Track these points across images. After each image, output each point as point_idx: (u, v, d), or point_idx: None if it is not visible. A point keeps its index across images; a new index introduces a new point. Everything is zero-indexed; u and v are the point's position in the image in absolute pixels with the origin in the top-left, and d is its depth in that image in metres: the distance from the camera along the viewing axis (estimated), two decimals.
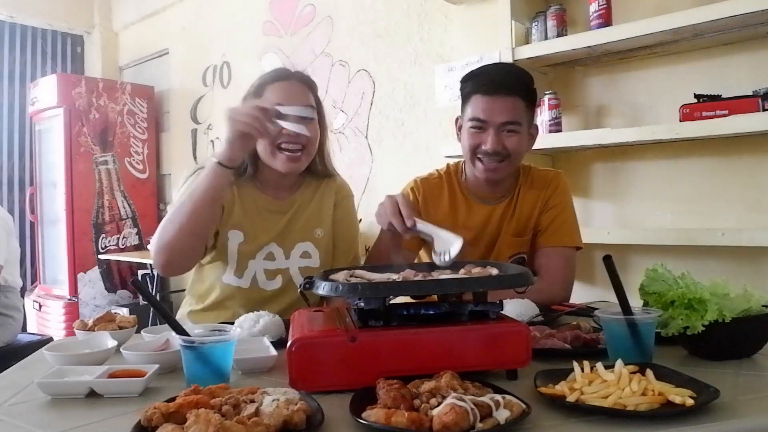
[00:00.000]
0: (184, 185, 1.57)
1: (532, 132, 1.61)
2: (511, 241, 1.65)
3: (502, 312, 1.00)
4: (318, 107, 1.57)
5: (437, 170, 1.75)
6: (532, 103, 1.57)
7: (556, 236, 1.62)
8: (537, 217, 1.65)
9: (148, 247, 4.11)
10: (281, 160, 1.49)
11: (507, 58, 2.27)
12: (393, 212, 1.29)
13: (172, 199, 4.66)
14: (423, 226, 1.28)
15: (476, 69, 1.59)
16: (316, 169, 1.64)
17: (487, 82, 1.52)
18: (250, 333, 1.22)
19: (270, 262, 1.56)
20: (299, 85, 1.54)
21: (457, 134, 1.66)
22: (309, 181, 1.65)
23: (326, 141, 1.65)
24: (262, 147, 1.50)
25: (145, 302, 4.18)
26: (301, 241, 1.59)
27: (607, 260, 1.07)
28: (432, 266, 1.19)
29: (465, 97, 1.59)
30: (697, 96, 1.92)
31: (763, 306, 1.05)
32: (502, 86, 1.50)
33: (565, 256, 1.62)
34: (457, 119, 1.66)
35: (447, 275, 1.09)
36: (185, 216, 1.36)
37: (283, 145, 1.48)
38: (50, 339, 2.87)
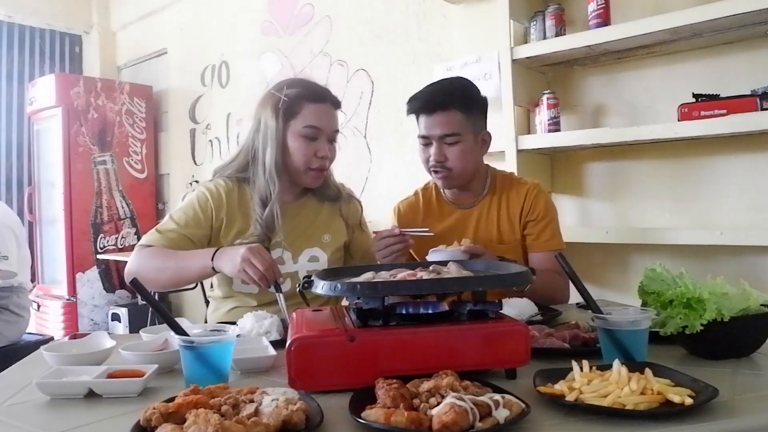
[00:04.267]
0: (182, 202, 1.64)
1: (484, 138, 1.73)
2: (493, 246, 1.69)
3: (501, 311, 1.00)
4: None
5: (416, 189, 1.91)
6: (473, 112, 1.69)
7: (548, 243, 1.74)
8: (521, 229, 1.76)
9: None
10: (310, 176, 1.61)
11: (506, 58, 2.27)
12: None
13: (168, 199, 4.66)
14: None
15: (419, 91, 1.72)
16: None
17: (424, 101, 1.68)
18: (250, 333, 1.22)
19: (279, 266, 1.58)
20: (332, 109, 1.62)
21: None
22: (314, 192, 1.72)
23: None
24: (297, 162, 1.58)
25: (144, 302, 4.17)
26: (308, 246, 1.64)
27: (560, 257, 1.10)
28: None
29: (416, 117, 1.73)
30: (695, 95, 1.92)
31: (761, 305, 1.06)
32: (438, 104, 1.65)
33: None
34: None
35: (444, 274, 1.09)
36: (165, 277, 1.49)
37: (313, 166, 1.59)
38: (51, 338, 2.88)
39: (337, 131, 1.64)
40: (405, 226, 1.76)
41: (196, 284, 1.68)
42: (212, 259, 1.42)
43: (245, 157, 1.63)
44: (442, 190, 1.83)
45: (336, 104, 1.64)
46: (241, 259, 1.34)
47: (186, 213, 1.57)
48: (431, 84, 1.74)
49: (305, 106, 1.56)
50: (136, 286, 1.11)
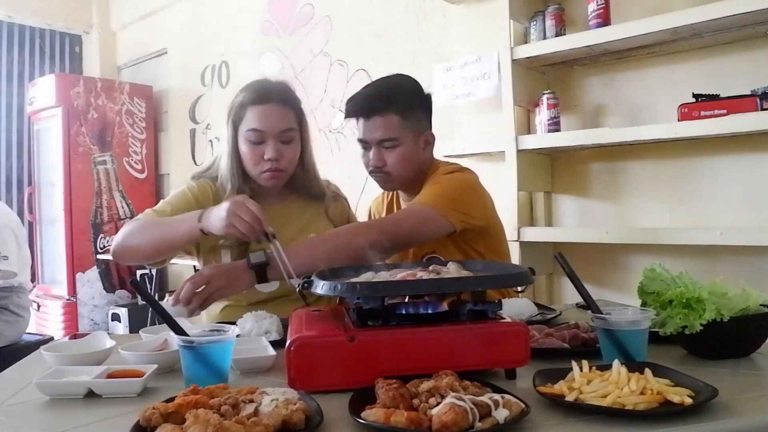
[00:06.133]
0: (173, 193, 1.62)
1: (427, 139, 1.68)
2: (428, 243, 1.64)
3: (500, 311, 1.00)
4: (300, 125, 1.62)
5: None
6: (412, 114, 1.63)
7: (416, 198, 1.60)
8: None
9: None
10: (264, 179, 1.58)
11: (506, 58, 2.28)
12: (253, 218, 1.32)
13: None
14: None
15: (355, 93, 1.67)
16: (298, 185, 1.68)
17: (361, 105, 1.63)
18: (250, 333, 1.22)
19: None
20: (279, 108, 1.56)
21: None
22: (299, 192, 1.70)
23: (309, 155, 1.68)
24: (248, 167, 1.58)
25: (144, 302, 4.17)
26: None
27: (560, 257, 1.08)
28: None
29: (355, 121, 1.67)
30: (695, 95, 1.92)
31: (761, 305, 1.06)
32: (373, 108, 1.60)
33: (408, 209, 1.61)
34: None
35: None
36: (150, 241, 1.45)
37: (263, 169, 1.56)
38: (51, 338, 2.88)
39: (290, 130, 1.57)
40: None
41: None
42: (199, 220, 1.38)
43: (216, 167, 1.65)
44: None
45: (287, 102, 1.58)
46: (227, 214, 1.30)
47: (178, 199, 1.58)
48: (369, 85, 1.70)
49: (249, 109, 1.55)
50: (136, 286, 1.11)
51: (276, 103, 1.56)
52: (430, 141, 1.70)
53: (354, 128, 1.75)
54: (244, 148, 1.56)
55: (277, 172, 1.57)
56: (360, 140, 1.66)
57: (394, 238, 1.45)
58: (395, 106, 1.60)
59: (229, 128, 1.58)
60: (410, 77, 1.71)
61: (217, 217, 1.33)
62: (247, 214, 1.30)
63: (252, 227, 1.30)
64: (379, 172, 1.64)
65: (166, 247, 1.48)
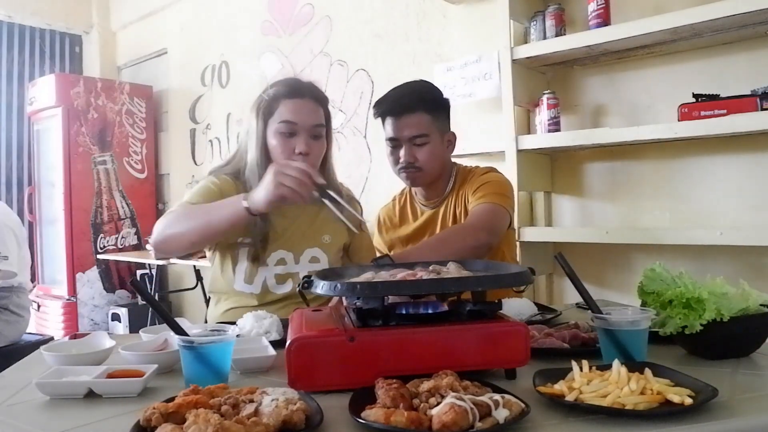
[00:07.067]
0: (197, 187, 1.58)
1: (449, 138, 1.79)
2: None
3: (500, 311, 1.00)
4: (327, 123, 1.62)
5: (394, 195, 1.98)
6: (439, 114, 1.74)
7: (475, 202, 1.68)
8: (464, 210, 1.74)
9: (147, 247, 4.11)
10: None
11: (506, 58, 2.28)
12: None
13: (168, 199, 4.66)
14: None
15: (385, 94, 1.77)
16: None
17: (392, 104, 1.73)
18: (250, 333, 1.22)
19: (281, 267, 1.59)
20: (312, 103, 1.58)
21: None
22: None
23: (330, 155, 1.67)
24: (277, 161, 1.54)
25: (144, 302, 4.18)
26: (309, 246, 1.63)
27: (560, 257, 1.09)
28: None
29: (382, 121, 1.77)
30: (695, 95, 1.92)
31: (761, 305, 1.06)
32: (405, 106, 1.70)
33: (486, 208, 1.65)
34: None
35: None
36: (195, 228, 1.42)
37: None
38: (51, 338, 2.88)
39: (320, 125, 1.58)
40: (384, 232, 1.91)
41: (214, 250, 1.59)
42: (244, 200, 1.35)
43: (237, 162, 1.63)
44: (413, 193, 1.89)
45: (319, 99, 1.60)
46: (272, 177, 1.27)
47: (206, 190, 1.55)
48: (397, 87, 1.79)
49: (282, 103, 1.55)
50: (136, 286, 1.11)
51: (309, 98, 1.58)
52: (452, 141, 1.81)
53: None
54: (273, 141, 1.55)
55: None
56: (390, 138, 1.74)
57: (495, 235, 1.60)
58: (425, 105, 1.71)
59: (258, 121, 1.56)
60: (430, 82, 1.83)
61: (261, 188, 1.30)
62: (293, 170, 1.27)
63: (302, 181, 1.27)
64: (410, 167, 1.72)
65: (212, 233, 1.44)
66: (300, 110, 1.55)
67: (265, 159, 1.56)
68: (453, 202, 1.79)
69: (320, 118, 1.58)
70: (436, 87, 1.81)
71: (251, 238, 1.55)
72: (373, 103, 1.79)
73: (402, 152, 1.71)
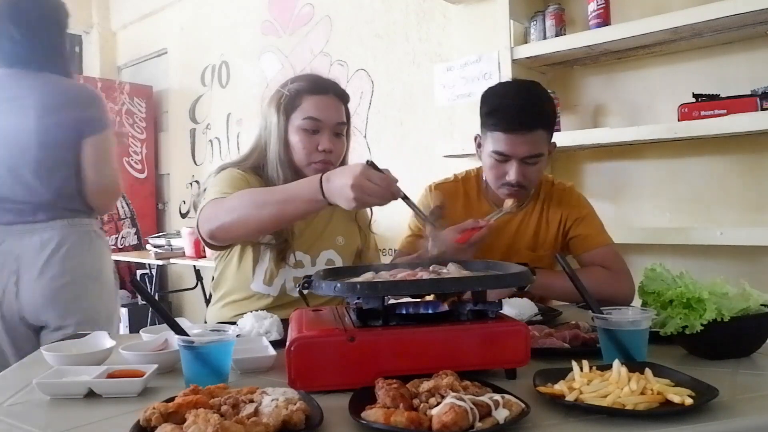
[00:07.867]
0: (224, 178, 1.51)
1: (551, 149, 1.63)
2: (523, 253, 1.66)
3: (501, 311, 1.00)
4: (348, 121, 1.60)
5: (455, 175, 1.80)
6: (552, 126, 1.60)
7: (592, 240, 1.66)
8: (561, 236, 1.69)
9: (147, 247, 4.11)
10: (313, 171, 1.50)
11: (506, 58, 2.27)
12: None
13: (168, 199, 4.66)
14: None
15: (497, 101, 1.57)
16: None
17: (508, 119, 1.52)
18: (250, 333, 1.22)
19: (299, 270, 1.57)
20: (335, 100, 1.56)
21: (477, 150, 1.68)
22: None
23: (347, 155, 1.66)
24: (298, 157, 1.52)
25: (144, 302, 4.17)
26: (325, 249, 1.62)
27: (560, 257, 1.09)
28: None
29: (486, 127, 1.58)
30: (695, 95, 1.92)
31: (761, 305, 1.06)
32: (524, 124, 1.51)
33: (610, 252, 1.65)
34: (477, 136, 1.67)
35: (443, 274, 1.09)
36: (266, 213, 1.30)
37: (315, 160, 1.52)
38: None
39: (343, 123, 1.57)
40: (444, 208, 1.65)
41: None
42: (321, 187, 1.20)
43: (257, 158, 1.59)
44: (484, 187, 1.73)
45: (341, 96, 1.58)
46: (358, 192, 1.14)
47: (237, 180, 1.49)
48: (516, 97, 1.57)
49: (305, 99, 1.52)
50: (136, 286, 1.11)
51: (333, 95, 1.56)
52: (552, 150, 1.65)
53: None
54: (296, 137, 1.52)
55: (328, 164, 1.52)
56: (499, 152, 1.54)
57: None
58: (543, 121, 1.54)
59: (279, 117, 1.53)
60: (543, 88, 1.64)
61: (341, 193, 1.17)
62: (378, 179, 1.16)
63: (384, 193, 1.16)
64: (517, 186, 1.56)
65: (287, 218, 1.34)
66: (325, 107, 1.53)
67: (287, 156, 1.54)
68: (532, 214, 1.70)
69: (343, 116, 1.57)
70: (550, 95, 1.65)
71: (277, 238, 1.51)
72: (481, 105, 1.61)
73: (512, 170, 1.54)
